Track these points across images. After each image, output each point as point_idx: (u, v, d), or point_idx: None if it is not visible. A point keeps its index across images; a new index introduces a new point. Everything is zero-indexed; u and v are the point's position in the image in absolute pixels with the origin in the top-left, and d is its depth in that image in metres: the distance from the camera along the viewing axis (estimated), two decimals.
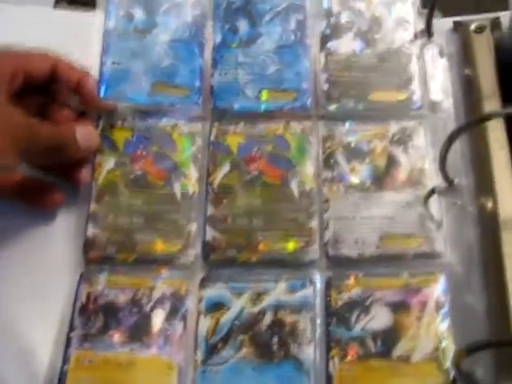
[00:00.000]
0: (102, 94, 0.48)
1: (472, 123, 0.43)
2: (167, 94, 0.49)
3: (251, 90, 0.49)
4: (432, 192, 0.45)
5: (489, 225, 0.44)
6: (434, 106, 0.48)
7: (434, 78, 0.48)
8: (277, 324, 0.42)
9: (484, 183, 0.45)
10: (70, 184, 0.46)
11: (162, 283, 0.44)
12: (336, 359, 0.41)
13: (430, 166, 0.46)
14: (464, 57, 0.49)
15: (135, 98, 0.48)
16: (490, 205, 0.44)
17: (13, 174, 0.45)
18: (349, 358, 0.41)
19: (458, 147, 0.46)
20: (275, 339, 0.42)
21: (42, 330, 0.43)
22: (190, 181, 0.47)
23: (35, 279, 0.45)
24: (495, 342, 0.39)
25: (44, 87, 0.46)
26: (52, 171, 0.46)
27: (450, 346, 0.41)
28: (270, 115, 0.48)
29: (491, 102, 0.46)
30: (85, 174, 0.46)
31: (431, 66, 0.49)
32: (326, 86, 0.49)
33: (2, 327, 0.44)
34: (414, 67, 0.49)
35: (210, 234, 0.45)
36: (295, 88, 0.49)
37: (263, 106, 0.48)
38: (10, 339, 0.43)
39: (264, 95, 0.49)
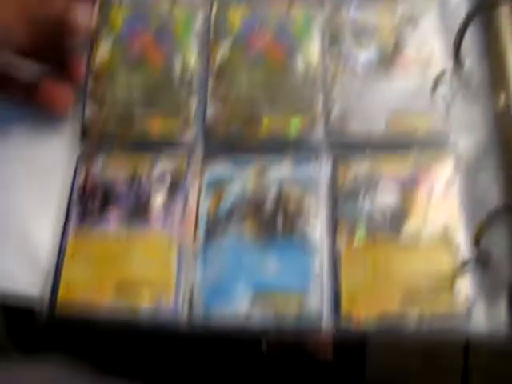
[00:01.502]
0: None
1: None
2: None
3: None
4: (442, 73, 0.44)
5: (501, 117, 0.42)
6: None
7: None
8: (282, 200, 0.41)
9: (496, 72, 0.43)
10: (66, 81, 0.44)
11: (162, 161, 0.42)
12: (343, 237, 0.40)
13: (440, 47, 0.44)
14: None
15: None
16: (503, 97, 0.42)
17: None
18: (356, 236, 0.40)
19: (472, 32, 0.44)
20: (280, 216, 0.40)
21: (43, 216, 0.42)
22: (191, 57, 0.45)
23: (35, 167, 0.43)
24: None
25: None
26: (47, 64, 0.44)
27: (459, 225, 0.39)
28: None
29: None
30: (79, 65, 0.44)
31: None
32: None
33: (3, 218, 0.42)
34: None
35: (212, 109, 0.43)
36: None
37: None
38: (11, 228, 0.41)
39: None
